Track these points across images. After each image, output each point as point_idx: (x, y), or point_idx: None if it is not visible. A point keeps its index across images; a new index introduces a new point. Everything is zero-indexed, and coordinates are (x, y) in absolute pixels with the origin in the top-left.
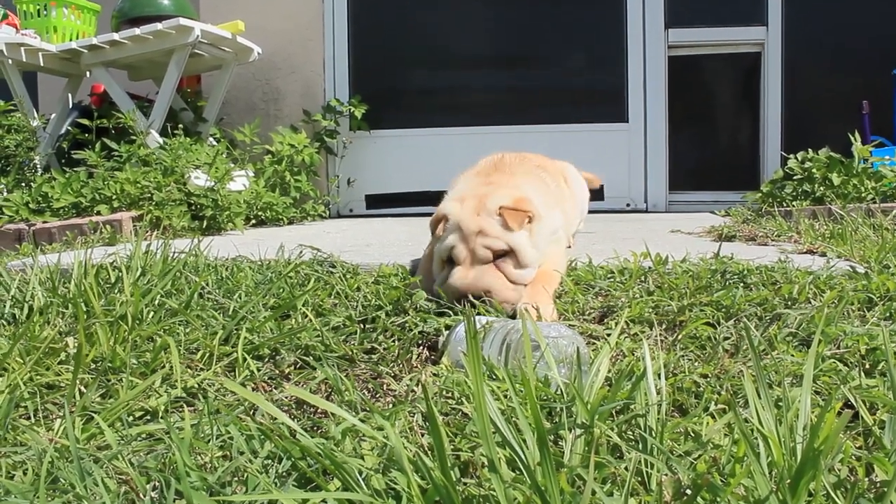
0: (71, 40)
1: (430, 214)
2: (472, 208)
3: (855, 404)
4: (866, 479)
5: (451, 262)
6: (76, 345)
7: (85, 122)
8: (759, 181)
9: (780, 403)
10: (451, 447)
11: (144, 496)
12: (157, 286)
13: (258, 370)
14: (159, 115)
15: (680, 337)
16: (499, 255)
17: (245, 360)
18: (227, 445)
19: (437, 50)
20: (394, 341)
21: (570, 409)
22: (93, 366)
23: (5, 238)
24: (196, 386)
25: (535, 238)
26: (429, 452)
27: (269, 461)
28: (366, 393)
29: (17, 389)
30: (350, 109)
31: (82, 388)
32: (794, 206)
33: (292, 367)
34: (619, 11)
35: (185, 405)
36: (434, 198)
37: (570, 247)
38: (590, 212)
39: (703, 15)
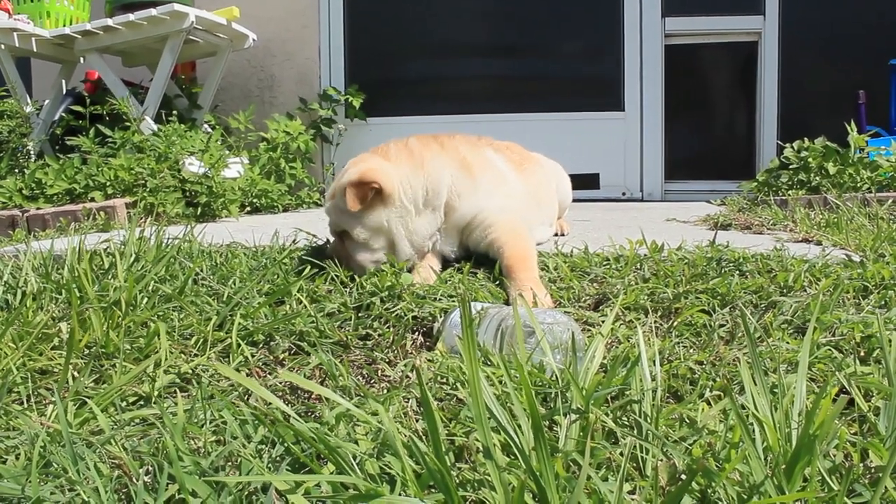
0: (64, 26)
1: None
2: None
3: (850, 391)
4: (861, 464)
5: None
6: (69, 330)
7: (79, 108)
8: (755, 170)
9: (776, 390)
10: (446, 432)
11: (137, 480)
12: (150, 272)
13: (252, 356)
14: (153, 102)
15: (675, 324)
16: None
17: (239, 345)
18: (221, 430)
19: (433, 38)
20: (389, 327)
21: (566, 394)
22: (86, 351)
23: None
24: (190, 371)
25: (389, 208)
26: (423, 437)
27: (263, 446)
28: (360, 378)
29: (9, 374)
30: (347, 98)
31: (75, 373)
32: (789, 195)
33: (287, 353)
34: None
35: (178, 390)
36: None
37: (564, 234)
38: (586, 200)
39: (699, 4)
